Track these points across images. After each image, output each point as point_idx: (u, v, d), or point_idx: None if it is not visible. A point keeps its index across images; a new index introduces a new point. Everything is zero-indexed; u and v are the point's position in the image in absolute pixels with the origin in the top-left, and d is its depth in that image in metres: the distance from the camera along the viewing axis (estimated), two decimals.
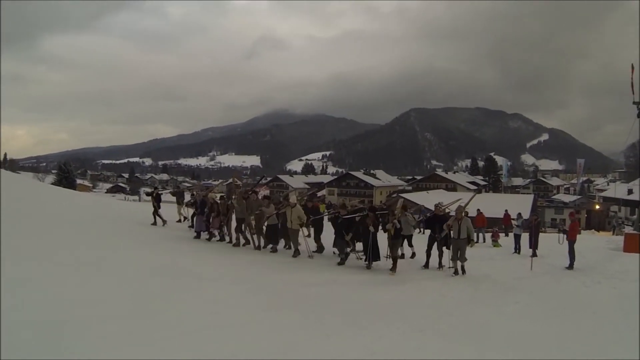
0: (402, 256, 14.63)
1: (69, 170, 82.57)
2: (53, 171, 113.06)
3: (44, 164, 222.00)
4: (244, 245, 15.06)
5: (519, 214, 21.76)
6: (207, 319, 6.96)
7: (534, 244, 17.31)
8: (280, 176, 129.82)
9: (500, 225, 30.11)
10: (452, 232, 13.29)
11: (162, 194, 19.48)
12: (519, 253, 18.77)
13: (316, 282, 10.51)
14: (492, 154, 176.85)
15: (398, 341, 6.84)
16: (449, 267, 13.22)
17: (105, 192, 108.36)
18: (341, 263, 13.32)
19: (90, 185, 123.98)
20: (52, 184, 57.22)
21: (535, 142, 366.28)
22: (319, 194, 66.95)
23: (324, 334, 6.85)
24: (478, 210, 24.72)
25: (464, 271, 13.02)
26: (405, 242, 14.50)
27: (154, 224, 17.57)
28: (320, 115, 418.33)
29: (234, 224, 15.40)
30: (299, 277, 10.90)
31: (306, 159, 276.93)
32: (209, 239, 15.71)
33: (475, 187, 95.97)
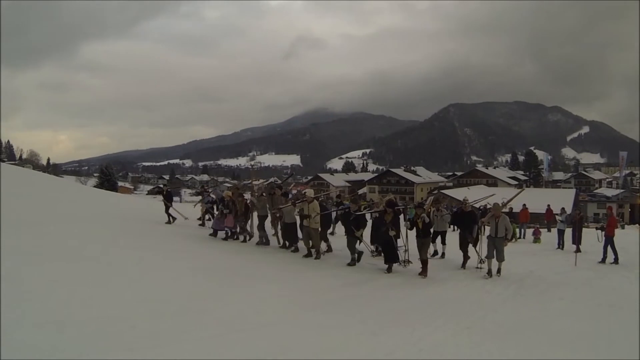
0: (436, 253, 14.28)
1: (111, 173, 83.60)
2: (95, 174, 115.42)
3: (86, 168, 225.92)
4: (263, 244, 14.15)
5: (563, 209, 21.28)
6: (254, 318, 7.01)
7: (577, 240, 16.91)
8: (320, 175, 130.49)
9: (542, 220, 29.76)
10: (488, 229, 12.44)
11: (171, 191, 19.07)
12: (562, 249, 18.53)
13: (354, 281, 10.34)
14: (532, 148, 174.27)
15: (445, 338, 6.82)
16: (477, 268, 12.59)
17: (147, 194, 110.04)
18: (351, 263, 12.08)
19: (132, 187, 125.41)
20: (94, 186, 58.07)
21: (575, 135, 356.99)
22: (360, 191, 66.83)
23: (371, 332, 6.84)
24: (524, 205, 24.43)
25: (499, 272, 12.03)
26: (439, 239, 14.05)
27: (169, 222, 16.86)
28: (359, 113, 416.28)
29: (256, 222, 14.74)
30: (336, 276, 10.70)
31: (346, 157, 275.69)
32: (225, 238, 14.80)
33: (516, 182, 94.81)
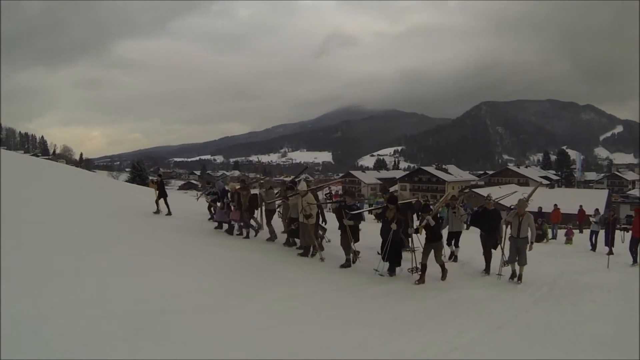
0: (452, 256, 13.28)
1: (142, 168, 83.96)
2: (126, 169, 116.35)
3: (118, 163, 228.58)
4: (269, 239, 13.54)
5: (596, 209, 20.85)
6: (286, 314, 7.13)
7: (610, 241, 16.52)
8: (352, 172, 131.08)
9: (575, 221, 29.17)
10: (510, 229, 11.22)
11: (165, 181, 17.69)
12: (594, 251, 18.11)
13: (382, 280, 10.24)
14: (564, 147, 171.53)
15: (478, 337, 6.85)
16: (498, 275, 11.38)
17: (178, 189, 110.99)
18: (345, 265, 11.05)
19: None
20: (126, 181, 58.83)
21: (608, 134, 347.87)
22: (391, 189, 66.72)
23: (404, 329, 6.93)
24: (555, 205, 24.15)
25: (519, 278, 11.02)
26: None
27: (157, 212, 16.08)
28: (391, 110, 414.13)
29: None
30: (362, 274, 10.54)
31: (378, 155, 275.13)
32: (229, 232, 14.21)
33: (547, 182, 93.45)
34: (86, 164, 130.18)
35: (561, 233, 22.92)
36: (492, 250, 11.83)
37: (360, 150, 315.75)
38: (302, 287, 8.99)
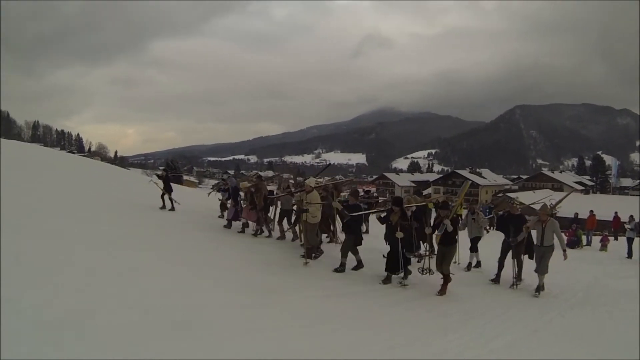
0: (478, 264, 12.66)
1: (176, 166, 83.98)
2: (160, 167, 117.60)
3: (152, 161, 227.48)
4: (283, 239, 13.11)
5: (631, 216, 20.74)
6: (327, 311, 7.26)
7: None
8: (386, 174, 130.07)
9: (610, 228, 28.21)
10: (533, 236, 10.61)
11: (171, 176, 17.31)
12: (630, 258, 17.94)
13: (420, 280, 10.08)
14: (599, 152, 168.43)
15: (514, 341, 6.93)
16: (513, 286, 10.65)
17: (211, 188, 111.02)
18: (339, 269, 10.15)
19: (197, 181, 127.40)
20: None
21: None
22: (425, 192, 66.60)
23: (441, 331, 7.04)
24: (591, 211, 23.92)
25: (538, 290, 10.18)
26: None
27: (163, 207, 15.81)
28: (425, 113, 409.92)
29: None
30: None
31: (411, 157, 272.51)
32: (242, 231, 13.63)
33: (582, 188, 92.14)
34: (121, 161, 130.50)
35: (596, 240, 22.62)
36: (522, 259, 10.96)
37: (394, 153, 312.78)
38: (339, 286, 9.10)
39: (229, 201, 14.65)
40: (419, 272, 10.11)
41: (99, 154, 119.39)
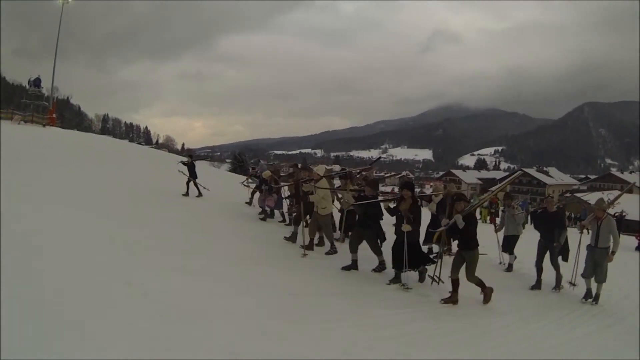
0: (510, 267, 11.21)
1: (243, 159, 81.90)
2: (227, 160, 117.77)
3: (219, 154, 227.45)
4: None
5: None
6: (360, 309, 6.92)
7: None
8: (453, 170, 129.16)
9: None
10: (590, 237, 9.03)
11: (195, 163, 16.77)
12: None
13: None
14: None
15: (591, 333, 7.22)
16: (554, 289, 9.53)
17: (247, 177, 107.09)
18: (347, 267, 8.96)
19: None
20: (228, 171, 59.09)
21: None
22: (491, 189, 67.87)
23: (526, 320, 7.32)
24: None
25: (596, 299, 8.79)
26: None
27: (186, 194, 15.66)
28: (493, 109, 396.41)
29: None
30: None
31: (478, 154, 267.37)
32: (262, 218, 13.41)
33: None
34: (187, 153, 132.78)
35: None
36: (560, 262, 9.79)
37: (461, 149, 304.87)
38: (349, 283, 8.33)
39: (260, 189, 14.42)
40: (429, 277, 8.71)
41: (166, 146, 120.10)
